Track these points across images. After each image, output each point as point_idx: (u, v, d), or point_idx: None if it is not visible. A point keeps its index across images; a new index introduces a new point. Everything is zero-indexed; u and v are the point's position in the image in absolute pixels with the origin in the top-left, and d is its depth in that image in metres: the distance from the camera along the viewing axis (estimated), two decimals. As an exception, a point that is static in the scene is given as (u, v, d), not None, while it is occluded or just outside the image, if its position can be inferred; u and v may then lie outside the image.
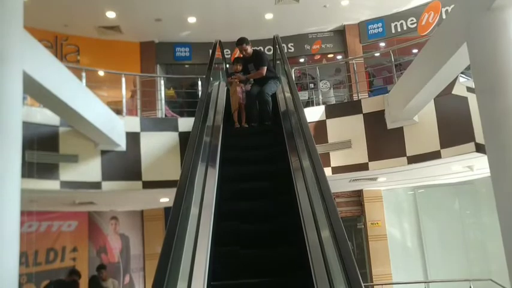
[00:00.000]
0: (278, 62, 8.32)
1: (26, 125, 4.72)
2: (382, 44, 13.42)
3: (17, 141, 4.54)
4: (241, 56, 7.67)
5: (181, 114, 10.77)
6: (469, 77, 7.80)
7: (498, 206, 4.53)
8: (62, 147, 7.92)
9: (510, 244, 4.44)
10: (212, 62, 6.99)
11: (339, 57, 13.85)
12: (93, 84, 9.02)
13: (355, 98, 10.30)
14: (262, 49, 12.43)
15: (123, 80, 8.96)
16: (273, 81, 7.43)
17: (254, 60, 7.45)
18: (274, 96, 7.61)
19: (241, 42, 7.41)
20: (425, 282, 9.61)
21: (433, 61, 6.34)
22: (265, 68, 7.36)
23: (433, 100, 7.77)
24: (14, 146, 4.50)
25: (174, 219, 3.00)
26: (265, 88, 7.28)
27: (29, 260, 9.09)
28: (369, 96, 10.71)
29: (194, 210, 3.80)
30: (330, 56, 14.03)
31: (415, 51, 11.60)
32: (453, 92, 7.75)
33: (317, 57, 13.96)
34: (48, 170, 7.67)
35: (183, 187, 3.34)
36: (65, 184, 7.91)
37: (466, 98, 7.63)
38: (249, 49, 7.46)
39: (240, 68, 7.52)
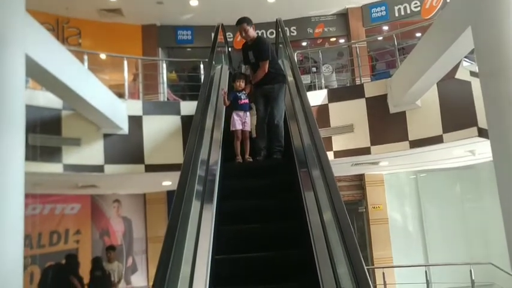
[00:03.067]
0: (281, 45, 8.25)
1: (29, 108, 4.71)
2: (386, 28, 13.32)
3: (21, 125, 4.54)
4: (243, 39, 6.27)
5: (184, 98, 10.78)
6: (472, 61, 7.76)
7: (500, 190, 4.54)
8: (65, 131, 7.95)
9: (511, 229, 4.48)
10: (215, 46, 6.93)
11: (342, 40, 13.76)
12: (95, 67, 9.00)
13: (357, 82, 10.27)
14: (264, 34, 12.39)
15: (125, 63, 8.94)
16: (280, 91, 5.93)
17: (254, 48, 6.06)
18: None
19: (241, 21, 6.07)
20: (425, 265, 9.67)
21: (437, 45, 6.31)
22: (267, 62, 5.92)
23: (436, 84, 7.75)
24: (18, 130, 4.51)
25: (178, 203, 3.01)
26: (274, 109, 5.80)
27: (32, 242, 9.19)
28: (372, 81, 10.69)
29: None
30: (333, 39, 13.94)
31: (418, 35, 11.51)
32: (456, 77, 7.74)
33: (319, 40, 13.87)
34: (51, 153, 7.71)
35: (187, 172, 3.36)
36: (68, 167, 7.96)
37: (469, 83, 7.61)
38: (251, 31, 6.05)
39: (242, 85, 5.97)
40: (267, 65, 5.92)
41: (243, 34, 6.08)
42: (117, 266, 9.46)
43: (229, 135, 5.79)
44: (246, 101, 5.92)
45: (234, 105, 5.86)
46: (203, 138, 4.54)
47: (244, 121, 5.77)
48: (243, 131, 5.75)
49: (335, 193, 3.11)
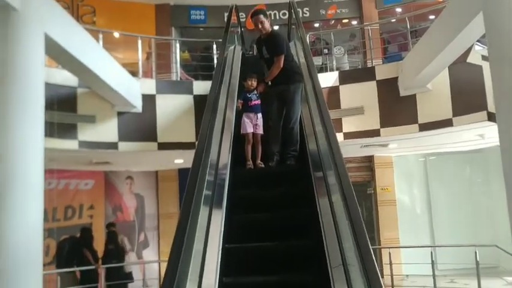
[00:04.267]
0: (293, 26, 8.29)
1: (45, 86, 4.86)
2: (399, 10, 13.25)
3: (40, 102, 4.72)
4: (258, 31, 5.70)
5: (196, 78, 10.87)
6: (484, 45, 7.75)
7: (505, 174, 4.64)
8: (80, 108, 8.12)
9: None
10: (228, 27, 7.01)
11: (354, 22, 13.72)
12: (109, 45, 9.10)
13: (369, 64, 10.30)
14: (277, 15, 12.39)
15: (139, 42, 9.05)
16: (296, 92, 5.39)
17: (269, 42, 5.60)
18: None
19: (257, 13, 5.59)
20: (431, 246, 9.82)
21: (449, 29, 6.35)
22: (282, 57, 5.41)
23: (447, 68, 7.78)
24: (37, 107, 4.69)
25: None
26: (289, 111, 5.31)
27: (48, 216, 9.46)
28: (384, 63, 10.71)
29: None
30: (345, 21, 13.89)
31: (432, 17, 11.46)
32: (468, 60, 7.76)
33: (332, 22, 13.84)
34: (67, 130, 7.89)
35: (201, 151, 3.49)
36: (83, 144, 8.14)
37: (480, 67, 7.63)
38: (267, 24, 5.57)
39: (254, 84, 5.47)
40: (282, 60, 5.39)
41: (259, 26, 5.55)
42: (121, 239, 9.75)
43: (239, 138, 5.29)
44: (258, 102, 5.43)
45: (244, 106, 5.40)
46: (216, 118, 4.67)
47: (255, 123, 5.32)
48: (254, 134, 5.28)
49: (352, 205, 2.83)
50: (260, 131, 5.32)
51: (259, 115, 5.39)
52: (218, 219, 3.68)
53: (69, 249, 9.11)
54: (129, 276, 9.62)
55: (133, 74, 8.88)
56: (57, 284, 8.03)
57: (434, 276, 8.73)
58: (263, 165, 5.12)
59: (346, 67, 11.70)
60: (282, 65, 5.38)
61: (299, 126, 5.33)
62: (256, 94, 5.45)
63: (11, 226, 4.26)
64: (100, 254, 9.31)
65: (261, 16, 5.52)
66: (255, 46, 10.58)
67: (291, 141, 5.19)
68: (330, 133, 3.75)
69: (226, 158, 4.51)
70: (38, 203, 4.50)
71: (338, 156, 3.38)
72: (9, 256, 4.19)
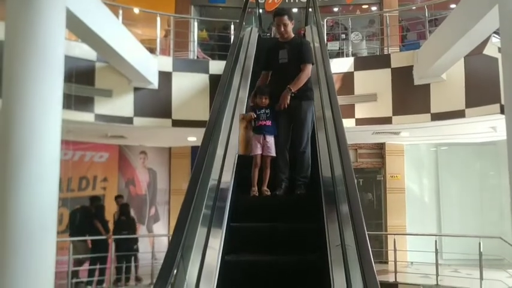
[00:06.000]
0: (310, 9, 8.31)
1: (65, 59, 5.00)
2: (420, -3, 13.12)
3: (60, 74, 4.86)
4: (279, 33, 4.88)
5: (213, 57, 10.96)
6: (502, 38, 7.72)
7: (510, 168, 4.71)
8: (98, 82, 8.30)
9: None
10: (246, 8, 7.06)
11: (374, 8, 13.63)
12: (128, 22, 9.22)
13: (385, 51, 10.30)
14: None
15: (158, 19, 9.15)
16: (308, 110, 4.65)
17: (292, 47, 4.75)
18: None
19: (281, 13, 4.80)
20: (436, 235, 9.89)
21: (464, 20, 6.36)
22: (310, 66, 4.74)
23: (463, 59, 7.79)
24: (57, 78, 4.83)
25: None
26: (300, 132, 4.57)
27: (63, 186, 9.71)
28: (401, 51, 10.68)
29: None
30: (365, 6, 13.81)
31: (453, 6, 11.35)
32: (484, 52, 7.74)
33: (351, 7, 13.75)
34: (84, 103, 8.08)
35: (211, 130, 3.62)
36: (99, 117, 8.34)
37: (496, 59, 7.61)
38: (290, 28, 4.79)
39: (266, 102, 4.59)
40: (310, 69, 4.70)
41: (281, 28, 4.74)
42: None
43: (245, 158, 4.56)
44: (268, 122, 4.56)
45: (252, 126, 4.60)
46: (229, 98, 4.79)
47: (266, 145, 4.52)
48: (263, 157, 4.52)
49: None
50: (271, 153, 4.53)
51: (271, 137, 4.56)
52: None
53: (80, 218, 9.37)
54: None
55: (151, 50, 9.00)
56: (69, 251, 8.27)
57: (437, 264, 8.85)
58: (269, 193, 4.45)
59: (364, 53, 11.68)
60: (307, 78, 4.64)
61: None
62: (267, 113, 4.59)
63: (27, 194, 4.42)
64: (111, 225, 9.57)
65: (286, 18, 4.74)
66: (272, 28, 10.65)
67: (301, 167, 4.52)
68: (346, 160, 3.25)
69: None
70: (54, 173, 4.67)
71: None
72: (25, 223, 4.35)
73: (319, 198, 3.84)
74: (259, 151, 4.50)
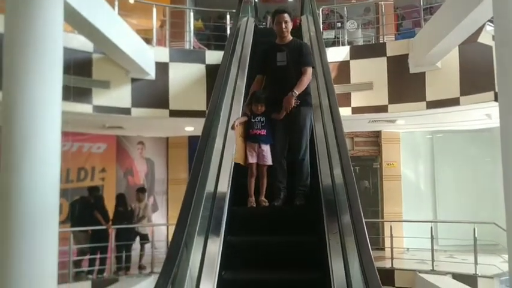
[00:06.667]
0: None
1: (63, 50, 5.04)
2: (415, -15, 13.12)
3: (59, 66, 4.90)
4: (279, 32, 4.62)
5: (209, 47, 10.98)
6: (496, 26, 7.78)
7: (503, 155, 4.80)
8: (95, 73, 8.32)
9: (511, 193, 4.77)
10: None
11: (370, -4, 13.62)
12: (123, 12, 9.21)
13: (381, 40, 10.35)
14: None
15: (154, 10, 9.16)
16: (307, 116, 4.48)
17: (291, 49, 4.56)
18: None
19: (282, 11, 4.63)
20: (431, 221, 10.02)
21: (460, 8, 6.42)
22: (311, 70, 4.55)
23: (457, 47, 7.86)
24: (56, 70, 4.87)
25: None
26: (299, 140, 4.39)
27: (62, 177, 9.70)
28: (397, 39, 10.74)
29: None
30: (361, -6, 13.79)
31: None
32: (479, 40, 7.81)
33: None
34: (82, 94, 8.11)
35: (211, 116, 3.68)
36: (97, 108, 8.38)
37: (490, 47, 7.67)
38: (290, 26, 4.63)
39: (262, 109, 4.38)
40: (311, 72, 4.51)
41: (282, 25, 4.54)
42: (145, 205, 10.09)
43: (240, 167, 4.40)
44: (263, 132, 4.37)
45: (246, 133, 4.42)
46: (227, 89, 4.85)
47: (262, 153, 4.35)
48: (259, 166, 4.35)
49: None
50: (267, 161, 4.35)
51: (267, 146, 4.39)
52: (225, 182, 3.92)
53: (79, 209, 9.44)
54: (145, 237, 9.99)
55: (147, 41, 9.02)
56: (69, 242, 8.36)
57: (433, 250, 8.99)
58: (267, 203, 4.28)
59: (360, 42, 11.73)
60: (308, 82, 4.46)
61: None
62: (262, 121, 4.39)
63: (30, 185, 4.49)
64: (111, 214, 9.65)
65: (287, 15, 4.58)
66: (268, 17, 10.66)
67: (300, 176, 4.36)
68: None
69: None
70: (56, 164, 4.74)
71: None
72: (27, 213, 4.43)
73: (319, 204, 3.77)
74: (254, 160, 4.34)
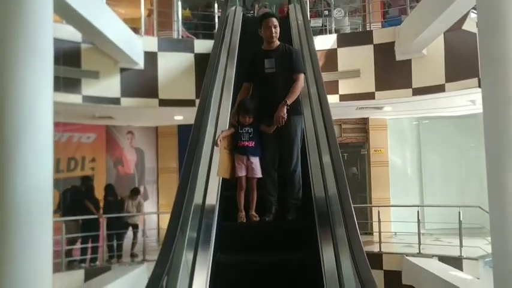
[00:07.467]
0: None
1: (52, 41, 5.06)
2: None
3: (49, 57, 4.92)
4: (267, 37, 4.33)
5: (197, 36, 11.00)
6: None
7: (486, 140, 4.96)
8: (84, 64, 8.33)
9: (493, 177, 4.94)
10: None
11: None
12: (111, 1, 9.19)
13: (368, 28, 10.45)
14: None
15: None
16: (298, 126, 4.24)
17: (281, 57, 4.28)
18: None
19: (270, 15, 4.46)
20: (417, 206, 10.25)
21: (444, -3, 6.53)
22: (303, 77, 4.32)
23: (442, 34, 7.98)
24: (47, 61, 4.89)
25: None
26: (290, 150, 4.17)
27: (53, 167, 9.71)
28: (383, 27, 10.83)
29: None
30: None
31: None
32: (463, 28, 7.94)
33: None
34: (72, 85, 8.13)
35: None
36: (87, 98, 8.40)
37: (475, 34, 7.76)
38: (278, 33, 4.36)
39: (250, 120, 4.16)
40: (302, 80, 4.26)
41: (272, 30, 4.28)
42: (139, 202, 10.19)
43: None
44: (251, 144, 4.15)
45: (233, 145, 4.19)
46: (217, 77, 4.92)
47: (251, 166, 4.14)
48: (248, 179, 4.14)
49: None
50: (256, 174, 4.14)
51: (255, 159, 4.16)
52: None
53: (71, 198, 9.49)
54: (135, 227, 10.08)
55: (134, 30, 9.02)
56: (62, 231, 8.41)
57: (419, 234, 9.19)
58: (258, 218, 4.07)
59: (347, 29, 11.81)
60: (300, 90, 4.23)
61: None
62: (249, 132, 4.16)
63: (23, 177, 4.51)
64: (101, 203, 9.72)
65: (275, 20, 4.34)
66: (256, 6, 10.68)
67: (292, 189, 4.15)
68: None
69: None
70: (48, 154, 4.79)
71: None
72: (22, 203, 4.47)
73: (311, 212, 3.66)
74: (243, 173, 4.12)
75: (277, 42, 4.33)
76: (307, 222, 3.66)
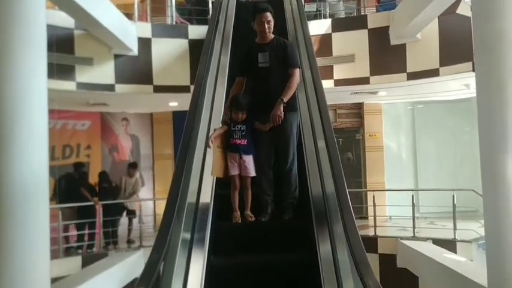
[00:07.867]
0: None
1: (44, 27, 5.03)
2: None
3: (43, 44, 4.89)
4: (261, 33, 4.17)
5: (190, 22, 10.94)
6: (475, -3, 7.90)
7: (480, 123, 5.00)
8: (78, 50, 8.29)
9: (487, 161, 4.99)
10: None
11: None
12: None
13: (362, 12, 10.42)
14: None
15: (135, -16, 9.09)
16: (294, 123, 4.13)
17: (275, 50, 4.14)
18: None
19: (266, 8, 4.15)
20: (411, 190, 10.33)
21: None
22: (299, 71, 4.23)
23: (437, 18, 7.98)
24: (40, 48, 4.87)
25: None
26: (286, 149, 4.07)
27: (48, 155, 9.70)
28: (377, 11, 10.81)
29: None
30: (342, -34, 13.76)
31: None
32: (457, 11, 7.94)
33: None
34: (65, 72, 8.09)
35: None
36: (81, 85, 8.38)
37: (469, 18, 7.73)
38: (272, 27, 4.18)
39: (243, 117, 4.00)
40: (298, 76, 4.14)
41: (265, 26, 4.11)
42: (136, 180, 10.18)
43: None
44: (243, 141, 4.00)
45: (226, 143, 4.03)
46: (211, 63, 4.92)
47: (244, 164, 3.99)
48: (242, 177, 4.02)
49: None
50: (250, 172, 4.00)
51: (249, 156, 4.02)
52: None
53: (65, 185, 9.49)
54: (132, 213, 10.10)
55: (127, 16, 8.96)
56: (58, 218, 8.43)
57: (414, 217, 9.27)
58: (253, 218, 3.96)
59: (342, 14, 11.76)
60: (296, 86, 4.09)
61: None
62: (242, 130, 4.01)
63: (19, 164, 4.52)
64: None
65: (269, 14, 4.12)
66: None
67: (288, 188, 4.06)
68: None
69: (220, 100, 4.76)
70: (43, 142, 4.78)
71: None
72: (18, 191, 4.47)
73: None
74: (236, 171, 3.97)
75: (271, 36, 4.18)
76: (304, 222, 3.62)
